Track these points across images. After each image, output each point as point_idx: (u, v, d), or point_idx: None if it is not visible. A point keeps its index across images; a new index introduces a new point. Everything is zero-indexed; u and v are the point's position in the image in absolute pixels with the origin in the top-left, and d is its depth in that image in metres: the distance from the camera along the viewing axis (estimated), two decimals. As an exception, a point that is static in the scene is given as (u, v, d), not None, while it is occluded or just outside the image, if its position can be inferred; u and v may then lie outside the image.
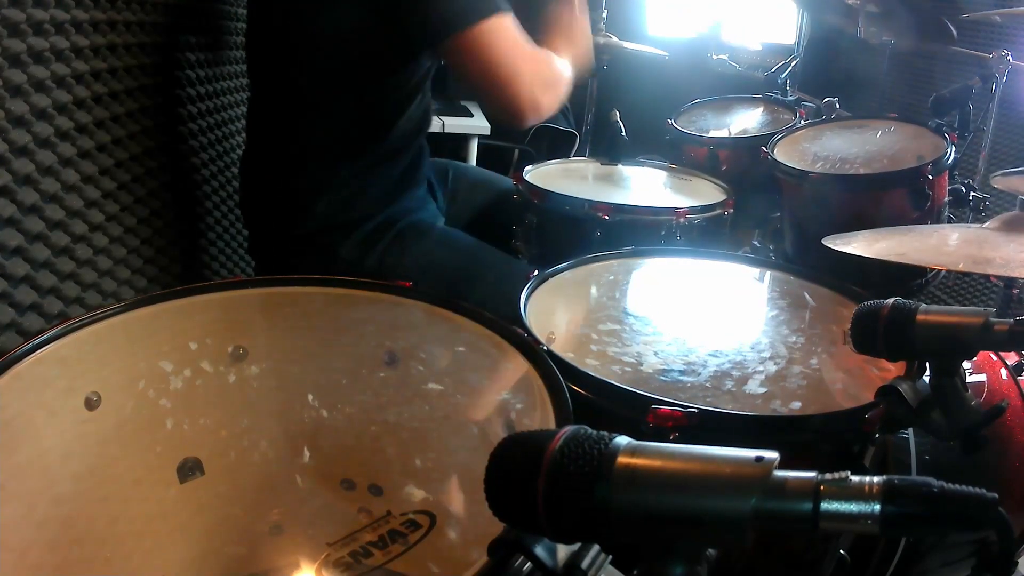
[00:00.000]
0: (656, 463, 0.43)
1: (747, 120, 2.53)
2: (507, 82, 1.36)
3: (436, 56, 1.48)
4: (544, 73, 1.44)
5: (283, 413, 0.93)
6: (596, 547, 0.50)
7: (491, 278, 1.52)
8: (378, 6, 1.34)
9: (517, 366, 0.85)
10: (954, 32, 2.38)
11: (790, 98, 2.54)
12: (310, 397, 0.94)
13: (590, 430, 0.46)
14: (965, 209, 1.87)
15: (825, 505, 0.40)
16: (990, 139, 2.43)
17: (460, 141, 3.12)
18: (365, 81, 1.44)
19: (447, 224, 1.74)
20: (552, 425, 0.73)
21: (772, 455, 0.42)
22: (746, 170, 2.17)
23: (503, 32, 1.34)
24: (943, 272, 2.16)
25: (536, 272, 1.21)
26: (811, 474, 0.41)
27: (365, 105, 1.46)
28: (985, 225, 1.25)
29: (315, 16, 1.38)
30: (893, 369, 1.01)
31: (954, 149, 1.75)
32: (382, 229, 1.51)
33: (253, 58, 1.57)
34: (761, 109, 2.55)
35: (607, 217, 1.59)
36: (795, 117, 2.29)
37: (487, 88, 1.39)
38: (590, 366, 1.04)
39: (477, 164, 3.14)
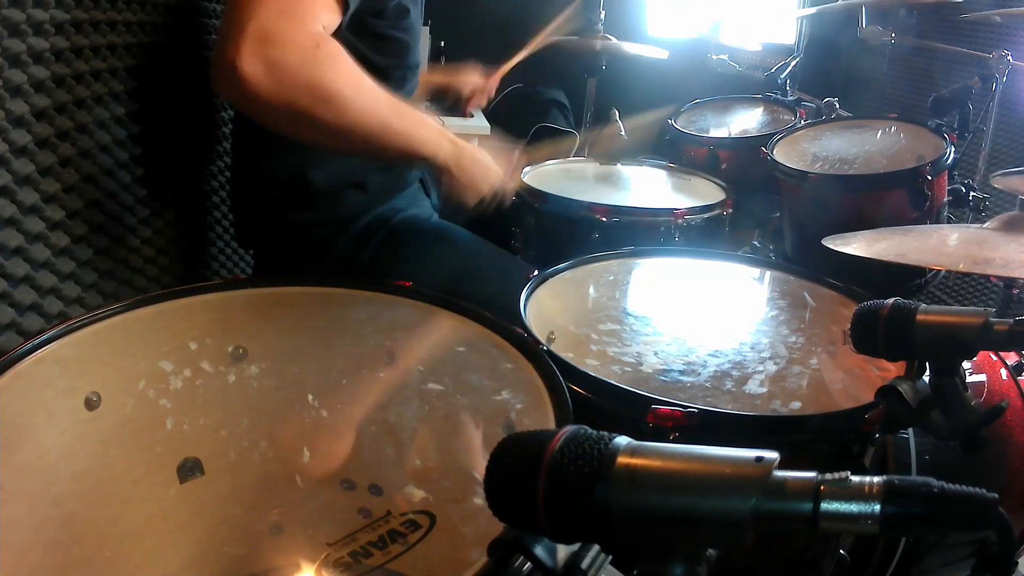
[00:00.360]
0: (656, 463, 0.43)
1: (747, 120, 2.53)
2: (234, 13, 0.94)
3: None
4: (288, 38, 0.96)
5: (283, 413, 0.93)
6: (596, 547, 0.50)
7: (488, 274, 1.51)
8: None
9: (517, 366, 0.85)
10: None
11: (790, 98, 2.55)
12: (310, 397, 0.94)
13: (590, 430, 0.46)
14: (965, 209, 1.87)
15: (825, 505, 0.40)
16: (990, 139, 2.43)
17: (460, 141, 3.12)
18: None
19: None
20: (552, 425, 0.73)
21: (772, 455, 0.42)
22: (746, 170, 2.17)
23: None
24: (943, 272, 2.16)
25: (536, 272, 1.21)
26: (811, 474, 0.41)
27: None
28: (985, 225, 1.25)
29: None
30: (893, 369, 1.01)
31: (954, 149, 1.75)
32: (376, 225, 1.50)
33: None
34: (761, 109, 2.55)
35: (605, 219, 1.59)
36: (795, 117, 2.29)
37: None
38: (590, 366, 1.04)
39: (477, 164, 3.14)
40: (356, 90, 1.04)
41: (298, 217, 1.47)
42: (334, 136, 1.06)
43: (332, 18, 1.06)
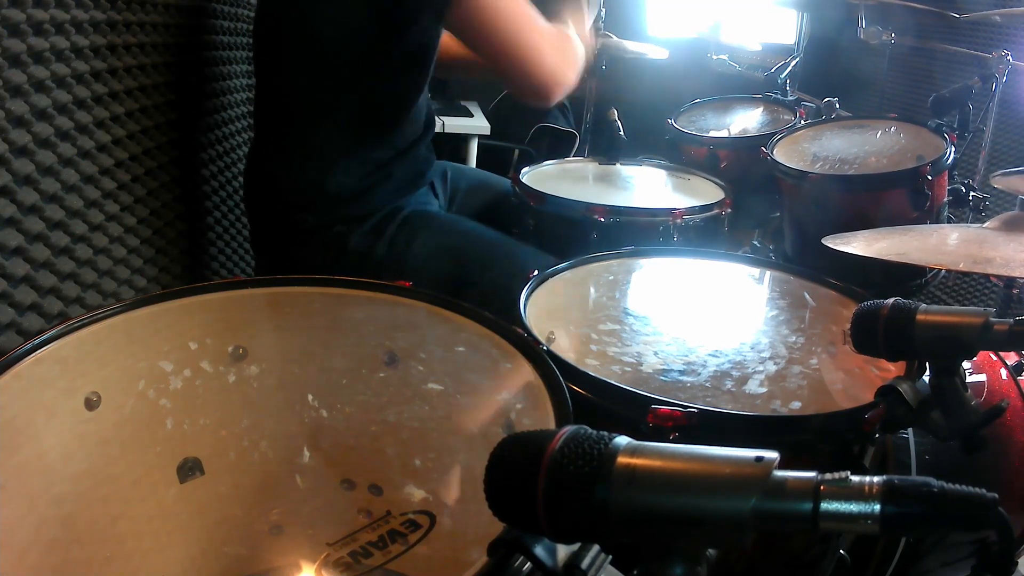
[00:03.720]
0: (656, 463, 0.43)
1: (747, 120, 2.53)
2: (523, 53, 1.35)
3: (448, 29, 1.45)
4: (563, 46, 1.43)
5: (283, 413, 0.93)
6: (596, 547, 0.50)
7: (500, 262, 1.53)
8: None
9: (517, 366, 0.85)
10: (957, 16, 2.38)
11: (790, 98, 2.55)
12: (310, 397, 0.94)
13: (590, 430, 0.46)
14: (965, 209, 1.87)
15: (825, 505, 0.40)
16: (990, 139, 2.43)
17: (460, 141, 3.12)
18: (361, 79, 1.44)
19: None
20: (552, 425, 0.73)
21: (772, 455, 0.42)
22: (746, 170, 2.17)
23: (509, 2, 1.33)
24: (943, 272, 2.16)
25: (536, 272, 1.21)
26: (811, 474, 0.41)
27: (366, 104, 1.47)
28: (985, 225, 1.25)
29: (314, 7, 1.39)
30: (893, 369, 1.01)
31: (954, 149, 1.75)
32: (389, 217, 1.53)
33: (259, 50, 1.58)
34: (761, 109, 2.55)
35: (603, 219, 1.59)
36: (795, 117, 2.29)
37: (503, 60, 1.38)
38: (590, 366, 1.04)
39: (477, 164, 3.14)
40: (578, 57, 1.50)
41: (315, 217, 1.48)
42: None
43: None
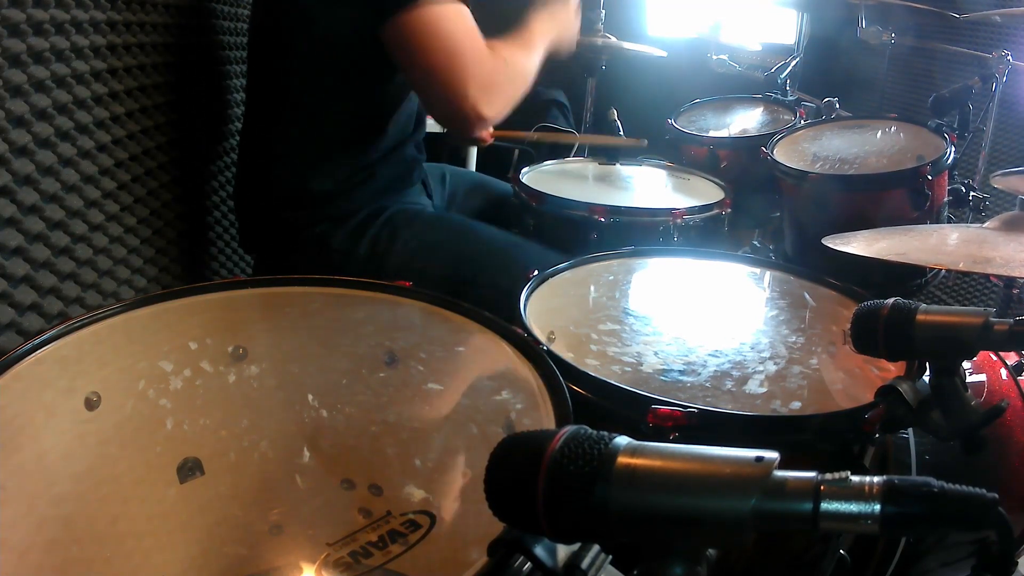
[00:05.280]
0: (656, 463, 0.43)
1: (747, 120, 2.53)
2: (447, 79, 1.27)
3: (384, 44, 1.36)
4: (492, 76, 1.33)
5: (283, 413, 0.93)
6: (596, 547, 0.50)
7: (485, 254, 1.53)
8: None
9: (517, 366, 0.85)
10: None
11: (790, 98, 2.55)
12: (310, 397, 0.94)
13: (590, 430, 0.46)
14: (965, 209, 1.87)
15: (825, 505, 0.40)
16: (990, 139, 2.44)
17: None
18: (348, 80, 1.44)
19: None
20: (552, 425, 0.73)
21: (772, 455, 0.42)
22: (746, 170, 2.17)
23: (449, 21, 1.25)
24: (943, 272, 2.16)
25: (536, 272, 1.21)
26: (811, 474, 0.41)
27: (352, 106, 1.47)
28: (985, 225, 1.25)
29: (305, 12, 1.39)
30: (893, 369, 1.01)
31: (954, 149, 1.75)
32: (372, 217, 1.52)
33: (252, 50, 1.58)
34: (761, 109, 2.56)
35: (603, 219, 1.59)
36: (795, 117, 2.29)
37: (426, 82, 1.30)
38: (590, 366, 1.04)
39: (477, 165, 3.14)
40: (527, 72, 1.45)
41: (301, 216, 1.49)
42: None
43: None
